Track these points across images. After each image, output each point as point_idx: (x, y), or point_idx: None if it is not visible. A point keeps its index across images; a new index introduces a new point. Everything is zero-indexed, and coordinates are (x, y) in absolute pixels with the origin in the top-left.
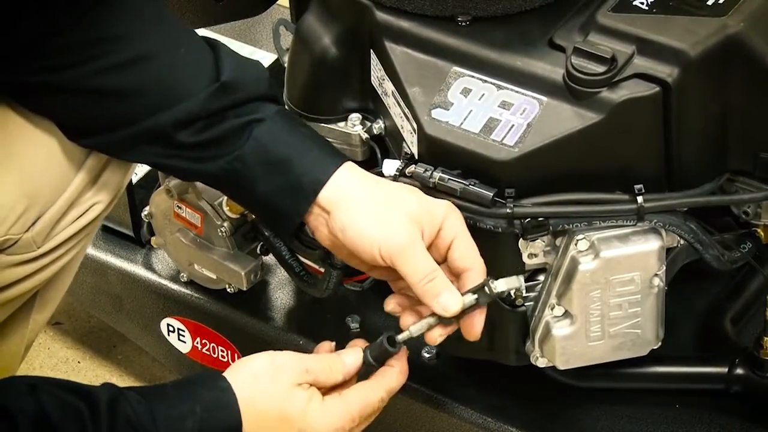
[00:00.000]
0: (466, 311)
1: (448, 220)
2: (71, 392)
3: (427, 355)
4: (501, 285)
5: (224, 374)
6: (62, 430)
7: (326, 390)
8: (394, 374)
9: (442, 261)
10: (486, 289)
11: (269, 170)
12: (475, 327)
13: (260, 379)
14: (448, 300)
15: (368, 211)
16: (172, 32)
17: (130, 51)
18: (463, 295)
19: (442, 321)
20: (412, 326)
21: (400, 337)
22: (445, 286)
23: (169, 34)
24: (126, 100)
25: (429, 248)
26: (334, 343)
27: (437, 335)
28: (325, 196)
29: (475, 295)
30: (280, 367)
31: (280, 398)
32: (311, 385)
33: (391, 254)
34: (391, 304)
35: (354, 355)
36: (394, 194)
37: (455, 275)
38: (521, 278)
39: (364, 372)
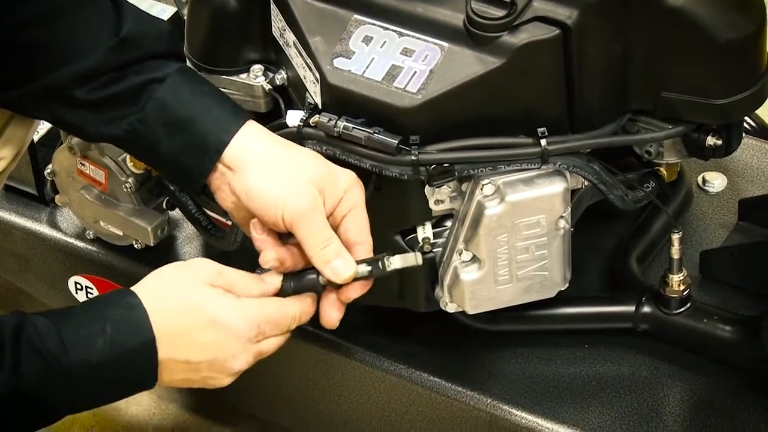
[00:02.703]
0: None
1: (350, 191)
2: None
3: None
4: (396, 262)
5: (133, 288)
6: None
7: None
8: (311, 301)
9: (334, 230)
10: (380, 264)
11: (172, 131)
12: (349, 293)
13: (167, 280)
14: (340, 266)
15: (273, 174)
16: None
17: (37, 6)
18: (357, 264)
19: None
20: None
21: (322, 279)
22: (339, 253)
23: None
24: (32, 55)
25: (327, 216)
26: None
27: (335, 317)
28: (230, 155)
29: (369, 267)
30: (188, 266)
31: (187, 291)
32: (226, 290)
33: (292, 219)
34: (271, 261)
35: (274, 277)
36: (299, 158)
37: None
38: (419, 256)
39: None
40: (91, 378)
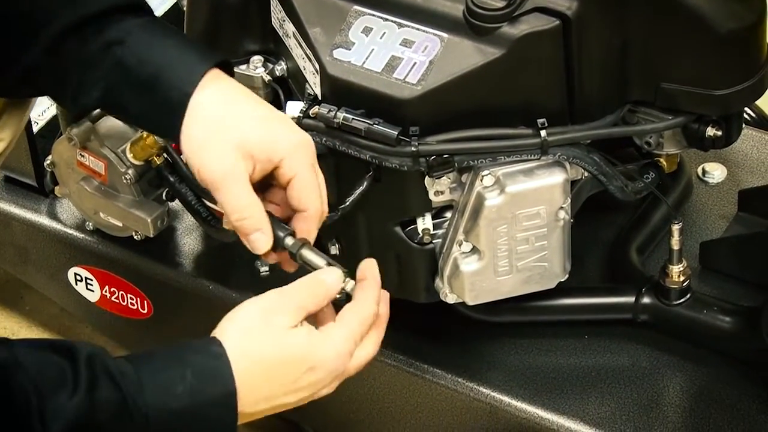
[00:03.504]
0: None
1: (289, 158)
2: (48, 348)
3: (337, 296)
4: (349, 285)
5: (215, 335)
6: (41, 384)
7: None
8: (370, 286)
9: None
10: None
11: (138, 92)
12: (285, 266)
13: (253, 332)
14: (255, 240)
15: (200, 136)
16: None
17: None
18: (316, 257)
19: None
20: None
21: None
22: (256, 227)
23: None
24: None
25: (272, 181)
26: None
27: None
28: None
29: (323, 262)
30: (270, 313)
31: (279, 345)
32: (304, 318)
33: (207, 183)
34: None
35: (331, 274)
36: (236, 119)
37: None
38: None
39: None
40: (167, 423)
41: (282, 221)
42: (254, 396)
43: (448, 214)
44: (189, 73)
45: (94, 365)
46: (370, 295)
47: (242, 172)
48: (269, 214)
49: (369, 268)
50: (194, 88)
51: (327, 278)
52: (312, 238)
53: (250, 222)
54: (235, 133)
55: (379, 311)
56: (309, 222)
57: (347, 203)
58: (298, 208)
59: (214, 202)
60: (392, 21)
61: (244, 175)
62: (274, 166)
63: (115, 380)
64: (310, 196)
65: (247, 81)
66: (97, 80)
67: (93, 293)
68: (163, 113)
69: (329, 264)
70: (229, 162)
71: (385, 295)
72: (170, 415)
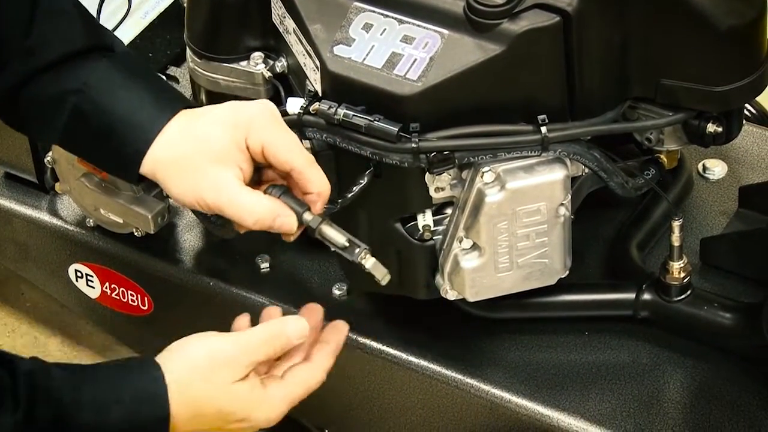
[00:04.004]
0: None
1: (252, 134)
2: None
3: (337, 292)
4: (369, 263)
5: (159, 360)
6: None
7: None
8: (330, 353)
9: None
10: (356, 250)
11: (96, 140)
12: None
13: (195, 374)
14: (282, 225)
15: (180, 176)
16: None
17: None
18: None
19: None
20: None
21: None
22: (272, 215)
23: None
24: None
25: (260, 164)
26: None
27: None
28: (145, 171)
29: (345, 240)
30: (218, 363)
31: (217, 397)
32: (251, 371)
33: (217, 206)
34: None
35: (296, 324)
36: (201, 142)
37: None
38: (387, 277)
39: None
40: None
41: (296, 198)
42: (186, 425)
43: (449, 211)
44: (144, 130)
45: (35, 382)
46: (322, 366)
47: (233, 177)
48: (283, 191)
49: (337, 331)
50: (149, 146)
51: (291, 331)
52: (322, 184)
53: (264, 214)
54: (207, 153)
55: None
56: (304, 175)
57: (347, 197)
58: (285, 168)
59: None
60: (393, 17)
61: (233, 182)
62: (247, 146)
63: (52, 398)
64: (291, 152)
65: (248, 77)
66: (56, 125)
67: (93, 290)
68: (120, 165)
69: (350, 240)
70: (222, 179)
71: (332, 363)
72: None
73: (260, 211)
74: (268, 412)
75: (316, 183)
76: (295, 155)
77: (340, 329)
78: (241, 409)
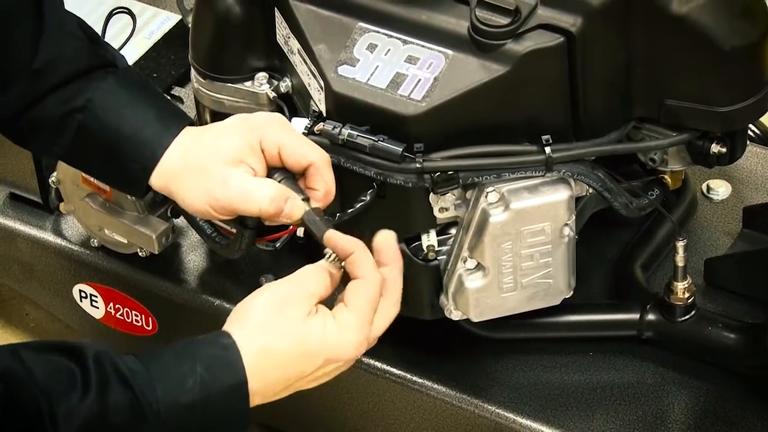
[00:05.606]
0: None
1: (268, 137)
2: (55, 350)
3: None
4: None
5: (227, 329)
6: (50, 387)
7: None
8: (363, 256)
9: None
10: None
11: (101, 156)
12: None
13: (269, 325)
14: (291, 208)
15: (191, 182)
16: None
17: None
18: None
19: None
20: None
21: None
22: (283, 198)
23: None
24: None
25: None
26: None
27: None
28: (158, 186)
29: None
30: (283, 304)
31: (296, 339)
32: (317, 305)
33: (231, 208)
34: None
35: (333, 265)
36: (212, 149)
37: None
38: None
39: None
40: (179, 418)
41: (298, 189)
42: (270, 387)
43: (453, 231)
44: (151, 148)
45: (104, 365)
46: (367, 268)
47: (247, 177)
48: (285, 176)
49: (353, 241)
50: (156, 163)
51: (330, 267)
52: (332, 185)
53: (278, 194)
54: (218, 157)
55: (384, 275)
56: (320, 171)
57: (348, 212)
58: (303, 163)
59: (226, 221)
60: (397, 38)
61: (242, 174)
62: (262, 150)
63: (125, 379)
64: (309, 146)
65: (252, 98)
66: (62, 142)
67: (98, 310)
68: (127, 181)
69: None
70: (235, 180)
71: (393, 253)
72: (182, 409)
73: (273, 190)
74: (351, 345)
75: (329, 181)
76: (313, 150)
77: (354, 240)
78: (322, 348)
